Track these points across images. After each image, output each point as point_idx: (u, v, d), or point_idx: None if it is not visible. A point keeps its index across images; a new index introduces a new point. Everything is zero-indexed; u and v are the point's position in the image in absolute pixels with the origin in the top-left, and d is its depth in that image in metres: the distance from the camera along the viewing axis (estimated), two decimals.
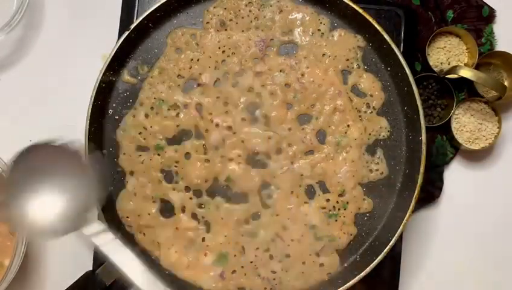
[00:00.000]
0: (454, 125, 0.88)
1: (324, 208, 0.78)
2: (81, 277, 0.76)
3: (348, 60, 0.80)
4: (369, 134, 0.79)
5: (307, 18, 0.80)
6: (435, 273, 0.88)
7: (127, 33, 0.78)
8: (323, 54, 0.80)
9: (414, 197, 0.75)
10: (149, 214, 0.78)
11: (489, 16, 0.91)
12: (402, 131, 0.80)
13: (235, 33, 0.81)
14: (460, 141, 0.87)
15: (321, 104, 0.79)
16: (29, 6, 0.86)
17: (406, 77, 0.76)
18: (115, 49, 0.77)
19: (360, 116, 0.79)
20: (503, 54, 0.88)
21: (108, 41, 0.83)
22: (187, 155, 0.79)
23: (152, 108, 0.80)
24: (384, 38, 0.77)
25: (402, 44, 0.83)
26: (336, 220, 0.78)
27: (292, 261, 0.77)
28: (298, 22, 0.81)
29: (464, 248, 0.89)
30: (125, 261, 0.62)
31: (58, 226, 0.60)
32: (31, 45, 0.89)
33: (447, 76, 0.87)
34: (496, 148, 0.90)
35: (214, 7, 0.81)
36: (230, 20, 0.81)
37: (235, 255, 0.77)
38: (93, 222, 0.62)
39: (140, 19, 0.78)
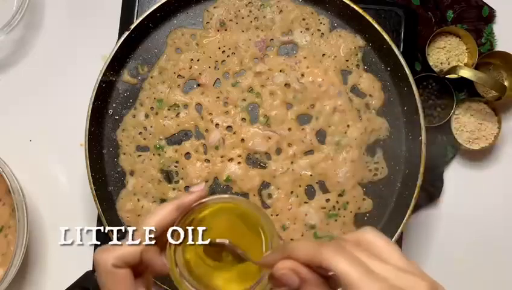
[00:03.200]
0: (454, 125, 0.88)
1: (324, 208, 0.78)
2: (81, 277, 0.76)
3: (348, 60, 0.80)
4: (369, 134, 0.79)
5: (307, 18, 0.80)
6: (435, 274, 0.87)
7: (127, 33, 0.78)
8: (323, 54, 0.80)
9: (414, 197, 0.75)
10: None
11: (489, 16, 0.91)
12: (402, 131, 0.80)
13: (235, 33, 0.80)
14: (460, 141, 0.87)
15: (321, 104, 0.79)
16: (29, 7, 0.86)
17: (406, 77, 0.76)
18: (115, 49, 0.77)
19: (360, 116, 0.79)
20: (503, 54, 0.88)
21: (108, 41, 0.83)
22: (187, 155, 0.79)
23: (152, 108, 0.80)
24: (384, 38, 0.77)
25: (402, 44, 0.83)
26: (336, 220, 0.78)
27: None
28: (298, 22, 0.80)
29: (464, 248, 0.88)
30: None
31: None
32: (31, 45, 0.89)
33: (446, 76, 0.87)
34: (496, 148, 0.90)
35: (214, 7, 0.81)
36: (230, 20, 0.81)
37: None
38: None
39: (140, 19, 0.78)
